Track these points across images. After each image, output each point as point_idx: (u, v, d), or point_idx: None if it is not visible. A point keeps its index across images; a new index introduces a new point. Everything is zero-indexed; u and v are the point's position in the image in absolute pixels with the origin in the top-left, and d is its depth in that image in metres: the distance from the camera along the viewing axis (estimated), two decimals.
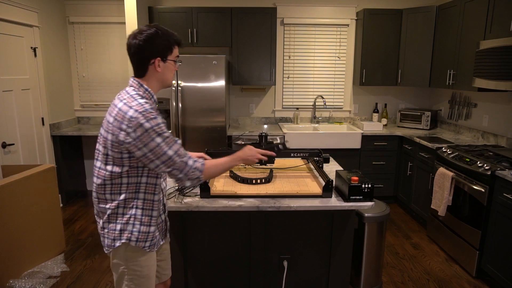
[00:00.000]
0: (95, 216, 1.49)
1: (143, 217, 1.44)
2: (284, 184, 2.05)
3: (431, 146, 3.36)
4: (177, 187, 1.99)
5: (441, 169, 3.03)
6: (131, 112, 1.30)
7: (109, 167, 1.37)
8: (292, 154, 2.28)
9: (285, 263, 2.03)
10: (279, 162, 2.56)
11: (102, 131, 1.38)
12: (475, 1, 3.20)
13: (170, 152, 1.34)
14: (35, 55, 3.70)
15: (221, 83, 3.75)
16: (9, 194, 2.56)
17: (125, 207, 1.41)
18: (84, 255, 3.04)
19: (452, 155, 3.01)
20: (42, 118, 3.84)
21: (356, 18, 4.37)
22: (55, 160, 4.04)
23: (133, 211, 1.42)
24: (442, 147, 3.21)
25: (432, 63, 3.94)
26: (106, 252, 1.48)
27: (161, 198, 1.53)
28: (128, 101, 1.34)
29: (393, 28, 4.12)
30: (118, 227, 1.42)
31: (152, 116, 1.31)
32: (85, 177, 4.66)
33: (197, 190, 1.97)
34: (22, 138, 3.51)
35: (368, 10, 4.07)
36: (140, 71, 1.42)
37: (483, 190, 2.61)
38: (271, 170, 2.22)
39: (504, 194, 2.45)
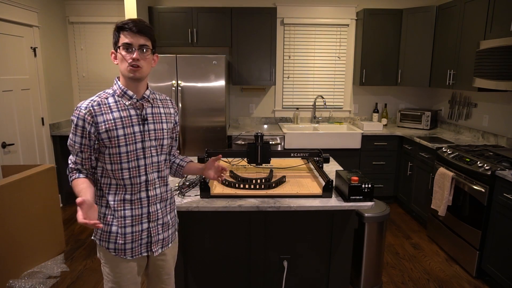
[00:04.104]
0: None
1: (106, 216, 1.43)
2: (284, 184, 2.05)
3: (431, 146, 3.36)
4: (177, 187, 1.99)
5: (441, 169, 3.03)
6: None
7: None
8: (292, 154, 2.28)
9: (285, 263, 2.03)
10: (279, 162, 2.56)
11: None
12: (475, 1, 3.20)
13: (70, 150, 1.42)
14: (35, 55, 3.70)
15: (221, 83, 3.75)
16: (9, 194, 2.56)
17: (96, 203, 1.45)
18: (84, 255, 3.04)
19: (452, 155, 3.01)
20: (42, 118, 3.84)
21: (356, 18, 4.37)
22: (55, 160, 4.04)
23: (99, 208, 1.45)
24: (442, 147, 3.21)
25: (432, 63, 3.94)
26: None
27: (127, 199, 1.43)
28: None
29: (393, 28, 4.12)
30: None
31: (76, 114, 1.36)
32: None
33: (197, 190, 1.97)
34: (22, 138, 3.51)
35: (368, 10, 4.07)
36: None
37: (483, 190, 2.61)
38: (271, 170, 2.22)
39: (504, 194, 2.44)
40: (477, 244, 2.69)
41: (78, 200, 1.18)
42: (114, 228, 1.42)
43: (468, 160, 2.81)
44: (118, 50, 1.37)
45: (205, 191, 1.85)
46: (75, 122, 1.36)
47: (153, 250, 1.50)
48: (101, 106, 1.38)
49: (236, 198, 1.86)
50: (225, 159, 2.57)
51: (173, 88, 3.73)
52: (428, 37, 3.92)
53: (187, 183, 2.01)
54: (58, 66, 4.14)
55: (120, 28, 1.36)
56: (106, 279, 1.51)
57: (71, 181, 1.42)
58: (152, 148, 1.46)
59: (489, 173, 2.55)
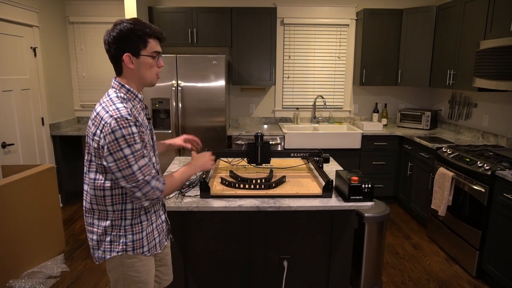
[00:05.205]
0: (86, 226, 1.45)
1: (134, 226, 1.40)
2: (284, 184, 2.05)
3: (431, 146, 3.36)
4: None
5: (441, 169, 3.03)
6: (106, 117, 1.25)
7: (92, 175, 1.34)
8: (292, 154, 2.28)
9: (285, 263, 2.03)
10: (279, 162, 2.56)
11: (87, 137, 1.35)
12: (475, 1, 3.20)
13: (135, 168, 1.26)
14: (35, 55, 3.70)
15: (221, 83, 3.75)
16: (9, 194, 2.56)
17: (114, 219, 1.37)
18: (84, 255, 3.04)
19: (452, 155, 3.01)
20: (42, 118, 3.84)
21: (356, 18, 4.37)
22: (55, 160, 4.04)
23: (122, 222, 1.38)
24: (442, 147, 3.21)
25: (432, 63, 3.94)
26: (96, 263, 1.43)
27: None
28: (107, 105, 1.29)
29: (393, 28, 4.11)
30: (108, 238, 1.38)
31: (126, 124, 1.24)
32: None
33: (197, 190, 1.97)
34: (22, 138, 3.51)
35: (368, 10, 4.07)
36: (116, 69, 1.37)
37: (483, 190, 2.61)
38: (271, 170, 2.22)
39: (504, 194, 2.45)
40: (477, 244, 2.69)
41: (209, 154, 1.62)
42: (144, 233, 1.43)
43: (468, 160, 2.81)
44: (146, 57, 1.34)
45: (205, 191, 1.85)
46: (130, 131, 1.25)
47: (171, 237, 1.67)
48: (132, 111, 1.32)
49: (236, 198, 1.86)
50: (225, 159, 2.57)
51: (173, 88, 3.73)
52: (428, 37, 3.92)
53: (187, 183, 2.01)
54: (58, 66, 4.14)
55: (152, 35, 1.35)
56: (129, 281, 1.44)
57: (164, 183, 1.34)
58: (155, 144, 1.53)
59: (489, 173, 2.55)
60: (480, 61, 2.97)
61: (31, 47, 3.64)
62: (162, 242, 1.54)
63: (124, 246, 1.39)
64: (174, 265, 1.99)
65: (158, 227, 1.50)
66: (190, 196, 1.89)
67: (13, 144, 3.34)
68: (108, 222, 1.38)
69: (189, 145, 1.89)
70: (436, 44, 3.86)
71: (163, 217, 1.56)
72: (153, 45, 1.36)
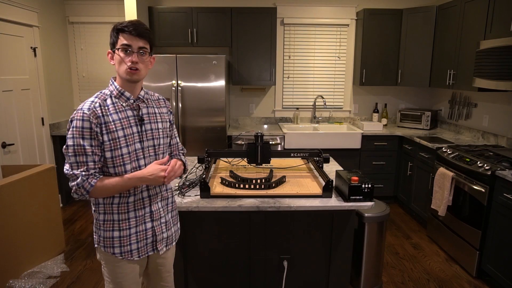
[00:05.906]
0: None
1: (105, 222, 1.43)
2: (284, 184, 2.05)
3: (431, 146, 3.36)
4: (177, 187, 1.99)
5: (441, 169, 3.03)
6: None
7: None
8: (292, 154, 2.28)
9: (285, 263, 2.03)
10: (279, 162, 2.56)
11: None
12: (475, 1, 3.20)
13: (72, 159, 1.33)
14: (35, 55, 3.70)
15: (221, 83, 3.75)
16: (9, 194, 2.56)
17: (94, 210, 1.47)
18: (84, 255, 3.04)
19: (452, 155, 3.01)
20: (42, 118, 3.84)
21: (356, 18, 4.37)
22: (55, 160, 4.04)
23: (98, 216, 1.45)
24: (442, 147, 3.21)
25: (432, 63, 3.94)
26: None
27: (131, 202, 1.43)
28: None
29: (393, 28, 4.11)
30: (93, 227, 1.52)
31: (79, 117, 1.31)
32: None
33: (197, 190, 1.97)
34: (22, 138, 3.51)
35: (368, 10, 4.07)
36: None
37: (483, 190, 2.61)
38: (271, 170, 2.23)
39: (504, 194, 2.44)
40: (477, 244, 2.69)
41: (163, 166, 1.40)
42: (116, 233, 1.43)
43: (468, 160, 2.81)
44: (116, 52, 1.37)
45: (205, 191, 1.85)
46: (80, 125, 1.31)
47: (159, 249, 1.53)
48: (102, 107, 1.36)
49: (236, 198, 1.86)
50: (225, 159, 2.57)
51: (173, 88, 3.73)
52: (428, 37, 3.92)
53: (187, 183, 2.01)
54: (58, 66, 4.14)
55: (120, 30, 1.35)
56: (108, 280, 1.50)
57: (92, 185, 1.32)
58: (150, 148, 1.48)
59: (489, 173, 2.55)
60: (480, 61, 2.97)
61: (31, 47, 3.65)
62: (142, 250, 1.48)
63: (98, 239, 1.46)
64: (174, 265, 1.99)
65: (138, 234, 1.46)
66: (190, 196, 1.89)
67: (13, 144, 3.34)
68: (92, 212, 1.48)
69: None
70: (436, 44, 3.86)
71: (148, 225, 1.48)
72: (123, 38, 1.35)
